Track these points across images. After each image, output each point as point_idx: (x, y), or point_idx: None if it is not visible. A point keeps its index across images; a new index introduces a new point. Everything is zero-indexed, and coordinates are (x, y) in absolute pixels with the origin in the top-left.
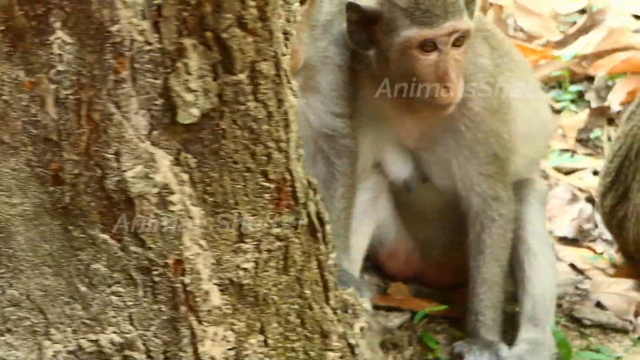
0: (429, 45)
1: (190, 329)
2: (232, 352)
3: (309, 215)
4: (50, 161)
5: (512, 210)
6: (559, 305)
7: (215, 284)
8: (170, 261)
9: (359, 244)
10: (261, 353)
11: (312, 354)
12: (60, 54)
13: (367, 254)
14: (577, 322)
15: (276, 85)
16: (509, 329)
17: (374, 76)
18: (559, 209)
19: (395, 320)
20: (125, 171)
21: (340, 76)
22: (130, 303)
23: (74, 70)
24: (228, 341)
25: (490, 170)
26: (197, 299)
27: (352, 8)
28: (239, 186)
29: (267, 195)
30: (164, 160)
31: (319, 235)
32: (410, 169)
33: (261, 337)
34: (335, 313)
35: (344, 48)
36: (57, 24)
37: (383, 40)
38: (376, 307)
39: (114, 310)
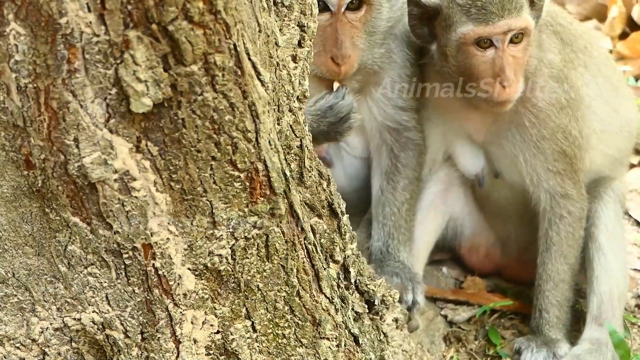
0: (484, 42)
1: (166, 312)
2: (218, 336)
3: (291, 205)
4: (21, 146)
5: (582, 207)
6: None
7: (189, 269)
8: (138, 245)
9: (426, 236)
10: (249, 338)
11: (304, 341)
12: (16, 45)
13: (447, 247)
14: None
15: (238, 77)
16: (581, 327)
17: (438, 70)
18: None
19: (464, 314)
20: (84, 157)
21: (403, 71)
22: (106, 284)
23: (29, 60)
24: (211, 325)
25: (558, 167)
26: (171, 283)
27: (413, 2)
28: (206, 174)
29: (237, 184)
30: (122, 147)
31: (305, 225)
32: (481, 163)
33: (248, 323)
34: (331, 302)
35: (407, 47)
36: (11, 16)
37: (442, 35)
38: (446, 301)
39: (92, 290)
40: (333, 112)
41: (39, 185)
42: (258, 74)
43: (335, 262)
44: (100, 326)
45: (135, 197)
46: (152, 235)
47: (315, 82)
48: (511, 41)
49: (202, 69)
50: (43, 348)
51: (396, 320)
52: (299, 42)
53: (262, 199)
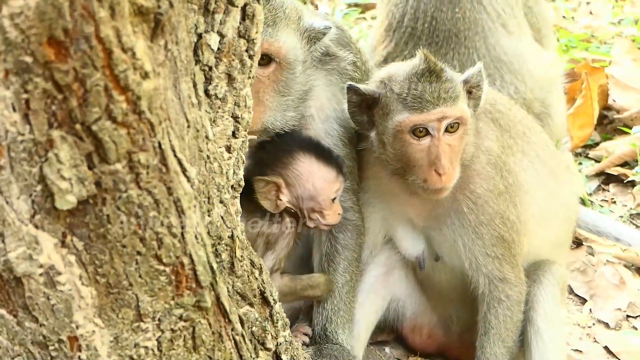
0: (420, 131)
1: None
2: None
3: (218, 297)
4: None
5: (521, 291)
6: None
7: None
8: (64, 337)
9: (366, 318)
10: None
11: None
12: None
13: (390, 327)
14: None
15: (163, 174)
16: None
17: (377, 157)
18: (602, 290)
19: None
20: (9, 252)
21: (339, 151)
22: None
23: None
24: None
25: (497, 252)
26: None
27: (352, 90)
28: (131, 268)
29: (163, 278)
30: (47, 242)
31: (233, 316)
32: (422, 246)
33: None
34: None
35: (342, 125)
36: None
37: (380, 123)
38: None
39: None
40: None
41: None
42: (184, 170)
43: (267, 349)
44: None
45: (61, 291)
46: (77, 328)
47: None
48: (447, 130)
49: (126, 167)
50: None
51: None
52: (233, 132)
53: (188, 291)
